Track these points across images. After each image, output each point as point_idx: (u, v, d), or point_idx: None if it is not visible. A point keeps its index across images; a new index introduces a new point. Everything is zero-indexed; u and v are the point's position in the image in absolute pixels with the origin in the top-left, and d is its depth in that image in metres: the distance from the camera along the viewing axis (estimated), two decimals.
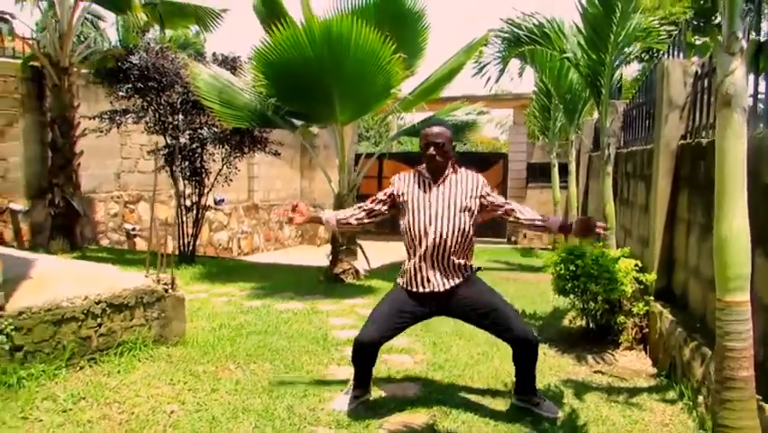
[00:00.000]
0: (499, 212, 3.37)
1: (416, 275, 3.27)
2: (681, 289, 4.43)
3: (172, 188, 8.79)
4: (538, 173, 16.72)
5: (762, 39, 3.25)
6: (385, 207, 3.47)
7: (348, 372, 3.73)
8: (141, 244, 11.08)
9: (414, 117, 10.67)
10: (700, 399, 3.34)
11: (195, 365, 3.94)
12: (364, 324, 3.37)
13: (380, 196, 3.48)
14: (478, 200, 3.32)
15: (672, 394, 3.70)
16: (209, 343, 4.43)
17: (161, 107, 8.11)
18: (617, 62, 4.72)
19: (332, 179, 7.30)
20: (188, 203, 8.70)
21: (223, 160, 8.52)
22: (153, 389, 3.51)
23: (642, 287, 4.64)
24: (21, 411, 3.10)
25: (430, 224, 3.22)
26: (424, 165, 3.38)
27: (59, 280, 3.92)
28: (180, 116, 8.11)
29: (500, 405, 3.47)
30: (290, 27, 5.79)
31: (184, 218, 8.68)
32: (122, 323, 3.99)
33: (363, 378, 3.40)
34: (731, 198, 1.98)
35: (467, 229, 3.26)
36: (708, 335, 3.62)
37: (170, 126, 8.15)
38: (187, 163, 8.35)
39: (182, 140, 8.17)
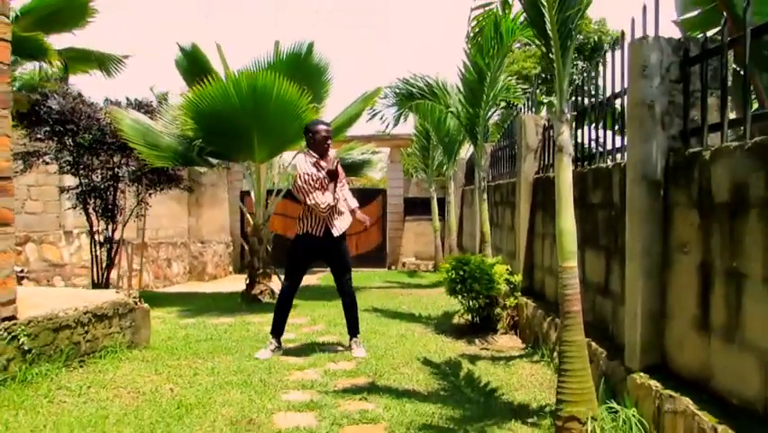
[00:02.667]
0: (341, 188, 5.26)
1: (320, 225, 5.06)
2: (540, 285, 5.94)
3: (63, 228, 9.21)
4: (414, 207, 18.46)
5: (578, 109, 4.82)
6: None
7: (296, 358, 4.82)
8: (29, 286, 11.14)
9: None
10: (555, 354, 4.76)
11: (169, 361, 4.78)
12: (286, 274, 5.28)
13: (313, 174, 4.97)
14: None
15: (536, 357, 5.11)
16: (171, 347, 5.25)
17: (76, 148, 8.63)
18: (488, 114, 6.23)
19: (221, 216, 8.25)
20: (101, 239, 9.18)
21: (138, 196, 9.14)
22: (145, 377, 4.33)
23: (511, 286, 6.09)
24: (45, 397, 3.82)
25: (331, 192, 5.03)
26: (310, 151, 5.09)
27: (50, 299, 4.62)
28: (95, 157, 8.67)
29: (416, 371, 4.68)
30: (219, 80, 6.81)
31: (97, 253, 9.14)
32: (103, 330, 4.75)
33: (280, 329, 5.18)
34: (566, 206, 3.33)
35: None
36: (555, 313, 5.10)
37: (83, 166, 8.68)
38: (99, 201, 8.89)
39: (95, 178, 8.73)
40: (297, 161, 5.19)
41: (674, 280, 3.20)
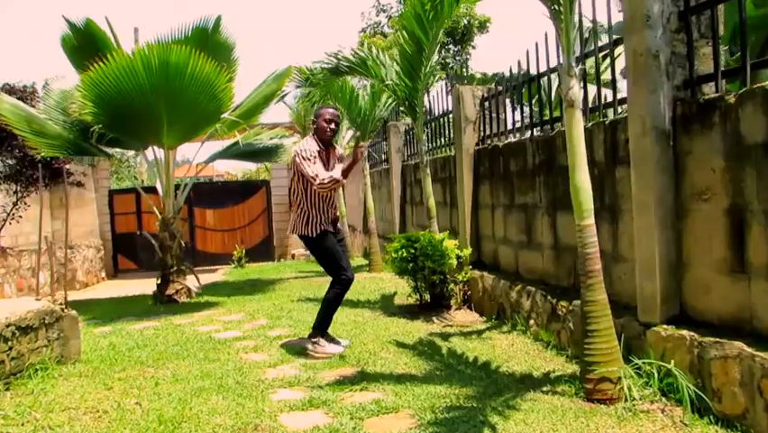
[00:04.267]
0: None
1: (328, 218, 4.63)
2: (492, 257, 5.88)
3: None
4: None
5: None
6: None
7: (259, 355, 4.39)
8: None
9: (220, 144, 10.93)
10: (531, 321, 4.70)
11: (114, 374, 4.11)
12: (338, 268, 4.61)
13: (316, 157, 4.46)
14: None
15: (505, 328, 5.04)
16: (107, 358, 4.54)
17: None
18: (425, 88, 6.04)
19: (89, 218, 7.43)
20: None
21: (16, 195, 7.96)
22: (96, 394, 3.66)
23: (460, 261, 5.98)
24: None
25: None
26: (315, 137, 4.58)
27: None
28: None
29: (397, 355, 4.40)
30: (124, 56, 6.02)
31: None
32: (29, 345, 3.98)
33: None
34: (579, 161, 3.22)
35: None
36: (523, 280, 5.05)
37: None
38: None
39: None
40: (299, 144, 4.68)
41: (692, 228, 3.20)
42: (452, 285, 5.88)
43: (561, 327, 4.26)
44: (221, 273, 11.21)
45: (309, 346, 4.55)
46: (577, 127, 3.22)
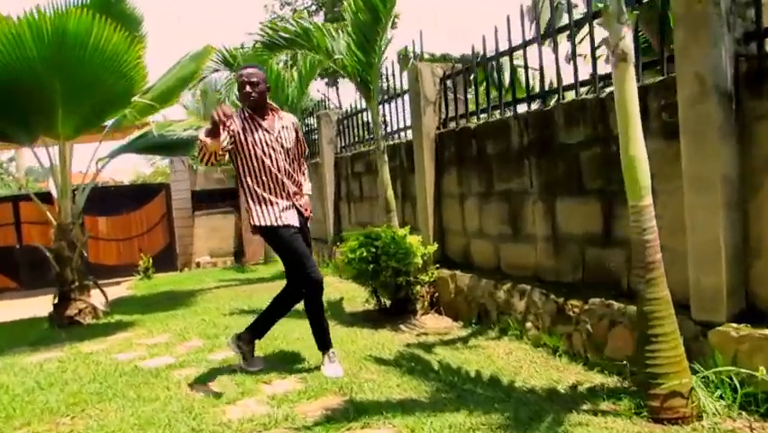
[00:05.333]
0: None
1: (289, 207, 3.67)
2: (462, 253, 5.23)
3: None
4: (205, 200, 16.65)
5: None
6: (227, 137, 3.49)
7: (207, 387, 3.48)
8: None
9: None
10: (528, 324, 4.08)
11: (19, 429, 3.05)
12: (304, 267, 3.61)
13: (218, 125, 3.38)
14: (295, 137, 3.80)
15: (492, 334, 4.39)
16: (1, 408, 3.43)
17: None
18: (380, 64, 5.29)
19: None
20: None
21: None
22: None
23: (423, 260, 5.28)
24: None
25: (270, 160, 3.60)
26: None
27: None
28: None
29: (382, 376, 3.63)
30: (9, 23, 4.80)
31: None
32: None
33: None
34: (633, 128, 2.61)
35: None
36: (510, 278, 4.44)
37: None
38: None
39: None
40: None
41: (765, 207, 2.68)
42: (417, 287, 5.16)
43: (572, 330, 3.66)
44: (125, 287, 9.86)
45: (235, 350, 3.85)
46: (630, 86, 2.60)
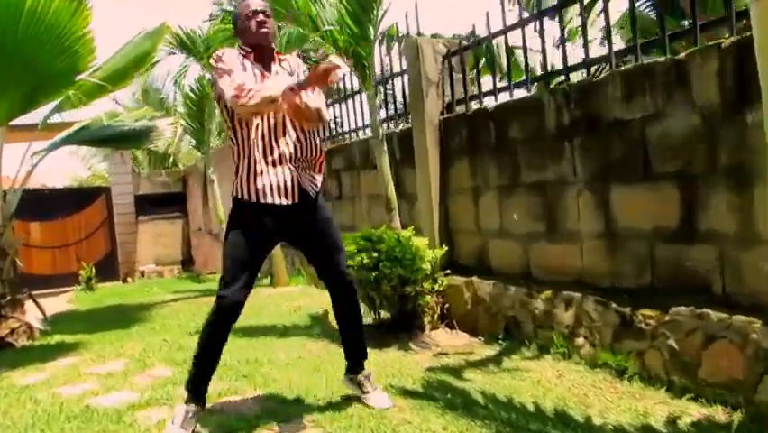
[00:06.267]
0: None
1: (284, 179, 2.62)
2: (475, 257, 4.51)
3: None
4: (149, 205, 15.49)
5: None
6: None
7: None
8: None
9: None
10: (579, 340, 3.39)
11: None
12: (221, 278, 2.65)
13: (237, 66, 2.58)
14: None
15: (528, 353, 3.68)
16: None
17: None
18: (376, 38, 4.53)
19: None
20: None
21: None
22: None
23: (432, 265, 4.54)
24: None
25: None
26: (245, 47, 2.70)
27: None
28: None
29: (415, 413, 2.86)
30: None
31: None
32: None
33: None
34: None
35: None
36: (545, 284, 3.74)
37: None
38: None
39: None
40: (215, 53, 2.67)
41: None
42: (427, 297, 4.40)
43: (646, 347, 2.98)
44: (64, 300, 8.70)
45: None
46: None
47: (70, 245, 14.14)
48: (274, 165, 2.60)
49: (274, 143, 2.60)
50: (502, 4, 4.35)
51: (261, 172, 2.58)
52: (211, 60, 2.63)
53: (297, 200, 2.63)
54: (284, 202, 2.61)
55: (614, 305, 3.17)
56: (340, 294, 2.88)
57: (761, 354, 2.45)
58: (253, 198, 2.59)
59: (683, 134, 2.92)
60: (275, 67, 2.72)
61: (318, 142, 2.76)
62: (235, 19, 2.76)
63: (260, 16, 2.63)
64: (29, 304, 5.51)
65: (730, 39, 2.71)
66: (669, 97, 2.98)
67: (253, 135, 2.58)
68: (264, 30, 2.63)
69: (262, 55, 2.67)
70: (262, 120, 2.59)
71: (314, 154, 2.72)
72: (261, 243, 2.68)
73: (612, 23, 3.97)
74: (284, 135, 2.61)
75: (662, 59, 3.04)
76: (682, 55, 2.91)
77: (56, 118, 5.84)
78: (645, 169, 3.12)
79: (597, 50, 6.55)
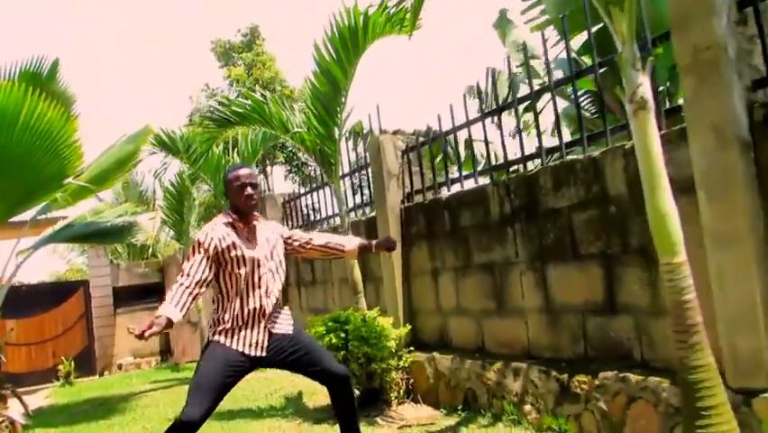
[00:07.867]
0: (308, 246, 3.25)
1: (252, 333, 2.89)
2: (437, 333, 4.86)
3: None
4: (126, 296, 15.55)
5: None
6: (210, 271, 2.85)
7: None
8: None
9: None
10: (527, 407, 3.72)
11: None
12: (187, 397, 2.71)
13: (199, 259, 2.84)
14: (284, 244, 3.16)
15: (484, 421, 3.98)
16: None
17: None
18: (341, 137, 5.04)
19: None
20: None
21: None
22: None
23: (396, 343, 4.87)
24: None
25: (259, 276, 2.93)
26: (229, 211, 3.03)
27: None
28: None
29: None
30: None
31: None
32: None
33: None
34: (658, 182, 2.42)
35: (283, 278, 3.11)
36: (496, 357, 4.10)
37: None
38: None
39: None
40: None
41: None
42: (392, 374, 4.71)
43: (581, 410, 3.33)
44: (42, 396, 8.73)
45: None
46: (652, 136, 2.43)
47: (47, 341, 13.97)
48: (251, 323, 2.88)
49: (253, 301, 2.88)
50: (464, 99, 4.83)
51: (239, 328, 2.86)
52: (198, 235, 2.93)
53: (268, 352, 2.90)
54: (258, 354, 2.88)
55: (554, 373, 3.53)
56: (340, 391, 3.01)
57: (670, 410, 2.81)
58: (230, 346, 2.85)
59: (601, 221, 3.40)
60: (261, 236, 3.02)
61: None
62: (225, 182, 3.07)
63: (249, 189, 2.95)
64: (11, 399, 5.65)
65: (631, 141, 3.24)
66: (588, 189, 3.47)
67: (234, 292, 2.89)
68: (252, 202, 2.98)
69: (247, 219, 3.00)
70: (245, 281, 2.89)
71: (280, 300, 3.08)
72: (234, 376, 2.86)
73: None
74: (263, 293, 2.92)
75: (581, 156, 3.56)
76: (597, 153, 3.43)
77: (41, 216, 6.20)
78: (574, 250, 3.57)
79: (549, 141, 7.20)
